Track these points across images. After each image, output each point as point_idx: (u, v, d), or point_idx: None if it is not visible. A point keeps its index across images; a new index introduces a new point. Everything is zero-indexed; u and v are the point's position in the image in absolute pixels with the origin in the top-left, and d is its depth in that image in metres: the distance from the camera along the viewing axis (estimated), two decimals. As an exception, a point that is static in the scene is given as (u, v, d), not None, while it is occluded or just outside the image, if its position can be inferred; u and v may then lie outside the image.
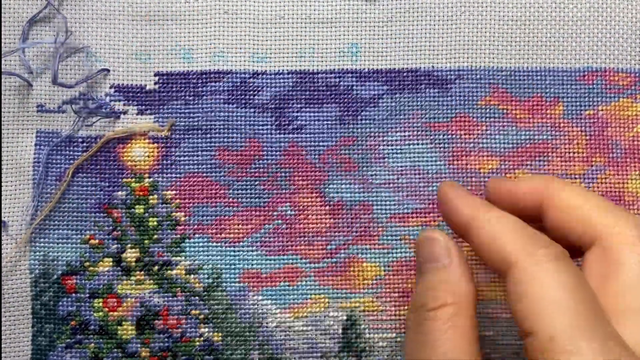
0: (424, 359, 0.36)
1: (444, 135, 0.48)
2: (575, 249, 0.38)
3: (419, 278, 0.40)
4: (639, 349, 0.33)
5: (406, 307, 0.48)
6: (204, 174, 0.49)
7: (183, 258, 0.48)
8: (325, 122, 0.49)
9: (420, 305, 0.38)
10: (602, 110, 0.49)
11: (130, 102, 0.49)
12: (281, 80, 0.49)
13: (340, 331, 0.48)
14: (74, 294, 0.48)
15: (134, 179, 0.49)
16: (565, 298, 0.33)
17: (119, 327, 0.48)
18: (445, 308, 0.37)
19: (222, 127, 0.49)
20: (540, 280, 0.34)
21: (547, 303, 0.33)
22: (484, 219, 0.38)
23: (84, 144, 0.48)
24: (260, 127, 0.49)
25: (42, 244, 0.48)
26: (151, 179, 0.49)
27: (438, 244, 0.40)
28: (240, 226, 0.48)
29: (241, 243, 0.48)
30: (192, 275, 0.48)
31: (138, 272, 0.48)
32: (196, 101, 0.49)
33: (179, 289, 0.48)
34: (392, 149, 0.48)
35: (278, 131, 0.49)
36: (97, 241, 0.48)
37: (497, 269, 0.36)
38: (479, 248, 0.38)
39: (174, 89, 0.49)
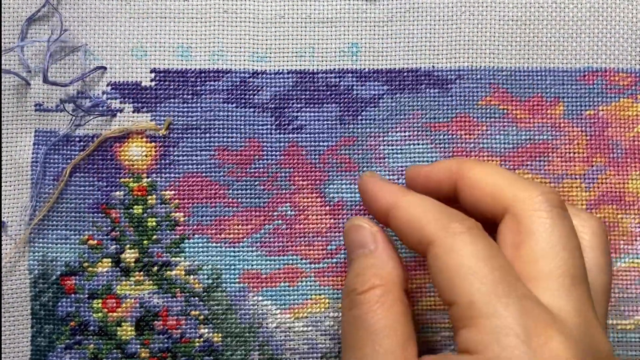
0: (359, 338, 0.37)
1: (444, 135, 0.48)
2: (490, 224, 0.39)
3: (348, 265, 0.41)
4: (552, 311, 0.34)
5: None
6: (203, 174, 0.48)
7: (182, 258, 0.48)
8: (325, 122, 0.48)
9: (351, 290, 0.39)
10: (602, 110, 0.49)
11: (126, 99, 0.48)
12: (281, 80, 0.48)
13: (340, 332, 0.48)
14: (73, 295, 0.48)
15: (131, 179, 0.48)
16: (481, 265, 0.34)
17: (118, 328, 0.48)
18: (374, 290, 0.38)
19: (221, 126, 0.48)
20: (456, 251, 0.35)
21: (464, 272, 0.34)
22: (402, 203, 0.39)
23: (81, 143, 0.48)
24: (260, 127, 0.48)
25: (40, 245, 0.48)
26: (149, 179, 0.49)
27: (364, 231, 0.41)
28: (240, 226, 0.48)
29: (241, 243, 0.48)
30: (191, 276, 0.48)
31: (137, 273, 0.48)
32: (195, 100, 0.48)
33: (178, 289, 0.48)
34: (392, 149, 0.48)
35: (278, 131, 0.48)
36: (95, 242, 0.48)
37: (418, 250, 0.38)
38: (400, 232, 0.39)
39: (172, 87, 0.48)
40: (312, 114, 0.48)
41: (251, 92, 0.48)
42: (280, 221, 0.48)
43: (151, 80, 0.48)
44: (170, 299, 0.48)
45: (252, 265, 0.48)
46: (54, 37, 0.47)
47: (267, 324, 0.48)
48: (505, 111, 0.48)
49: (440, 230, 0.36)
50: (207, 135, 0.48)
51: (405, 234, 0.38)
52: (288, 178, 0.48)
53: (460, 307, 0.34)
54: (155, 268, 0.48)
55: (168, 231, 0.48)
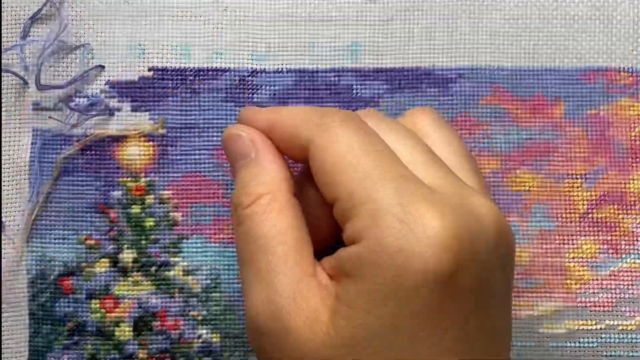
0: (251, 252, 0.36)
1: (444, 135, 0.48)
2: None
3: (234, 179, 0.40)
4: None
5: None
6: (202, 174, 0.48)
7: (181, 259, 0.48)
8: (325, 122, 0.48)
9: (237, 205, 0.37)
10: (603, 110, 0.48)
11: (124, 98, 0.48)
12: (280, 79, 0.48)
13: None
14: (71, 295, 0.48)
15: (130, 179, 0.48)
16: (356, 155, 0.34)
17: (116, 329, 0.48)
18: (259, 200, 0.37)
19: (220, 125, 0.48)
20: (331, 146, 0.34)
21: (341, 164, 0.34)
22: (279, 116, 0.38)
23: (80, 143, 0.48)
24: (260, 126, 0.48)
25: (39, 245, 0.48)
26: (147, 179, 0.48)
27: (242, 140, 0.39)
28: (239, 226, 0.48)
29: (240, 243, 0.48)
30: (190, 276, 0.48)
31: (135, 273, 0.48)
32: (193, 99, 0.48)
33: (176, 290, 0.48)
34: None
35: (277, 130, 0.48)
36: (93, 241, 0.48)
37: (301, 160, 0.37)
38: (283, 146, 0.38)
39: (170, 86, 0.48)
40: (311, 113, 0.48)
41: (250, 90, 0.48)
42: (279, 221, 0.48)
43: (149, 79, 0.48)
44: (168, 300, 0.48)
45: (251, 265, 0.48)
46: (52, 37, 0.47)
47: (266, 324, 0.48)
48: (506, 111, 0.48)
49: (314, 128, 0.35)
50: (206, 134, 0.48)
51: (287, 147, 0.37)
52: (287, 178, 0.48)
53: (342, 202, 0.33)
54: (154, 268, 0.48)
55: (166, 231, 0.48)
